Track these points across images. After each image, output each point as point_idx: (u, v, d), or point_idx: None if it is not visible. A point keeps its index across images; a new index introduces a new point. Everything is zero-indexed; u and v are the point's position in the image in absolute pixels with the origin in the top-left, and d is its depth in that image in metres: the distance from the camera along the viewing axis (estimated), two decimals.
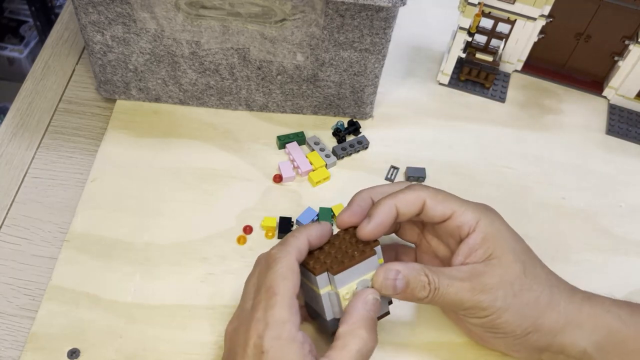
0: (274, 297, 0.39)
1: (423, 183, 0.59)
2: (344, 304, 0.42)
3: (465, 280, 0.42)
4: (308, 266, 0.42)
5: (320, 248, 0.44)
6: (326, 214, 0.55)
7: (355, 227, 0.44)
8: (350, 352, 0.39)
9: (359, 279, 0.42)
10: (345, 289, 0.42)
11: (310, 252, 0.43)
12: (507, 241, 0.44)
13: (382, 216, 0.43)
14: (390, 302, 0.45)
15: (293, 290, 0.40)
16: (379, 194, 0.46)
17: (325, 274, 0.42)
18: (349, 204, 0.46)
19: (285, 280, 0.40)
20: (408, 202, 0.44)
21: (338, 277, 0.41)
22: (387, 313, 0.45)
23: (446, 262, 0.47)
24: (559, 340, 0.43)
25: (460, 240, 0.44)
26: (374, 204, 0.45)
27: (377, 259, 0.43)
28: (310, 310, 0.46)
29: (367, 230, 0.43)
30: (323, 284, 0.42)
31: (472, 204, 0.45)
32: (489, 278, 0.42)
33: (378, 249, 0.44)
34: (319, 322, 0.46)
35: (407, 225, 0.49)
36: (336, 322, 0.43)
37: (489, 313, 0.42)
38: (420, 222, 0.48)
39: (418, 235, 0.49)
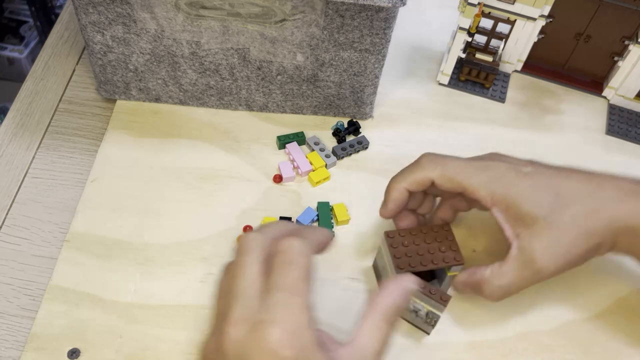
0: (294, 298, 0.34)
1: None
2: None
3: (517, 269, 0.46)
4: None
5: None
6: (325, 209, 0.55)
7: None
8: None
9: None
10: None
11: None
12: (525, 201, 0.46)
13: (395, 202, 0.49)
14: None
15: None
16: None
17: None
18: (387, 198, 0.50)
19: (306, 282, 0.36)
20: (417, 184, 0.49)
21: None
22: None
23: None
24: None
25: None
26: (387, 187, 0.50)
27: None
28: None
29: (386, 215, 0.50)
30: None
31: (481, 176, 0.47)
32: (533, 254, 0.45)
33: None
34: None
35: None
36: None
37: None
38: None
39: None
